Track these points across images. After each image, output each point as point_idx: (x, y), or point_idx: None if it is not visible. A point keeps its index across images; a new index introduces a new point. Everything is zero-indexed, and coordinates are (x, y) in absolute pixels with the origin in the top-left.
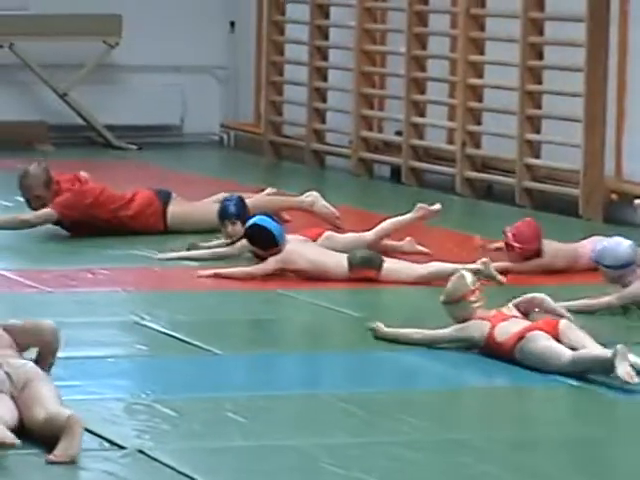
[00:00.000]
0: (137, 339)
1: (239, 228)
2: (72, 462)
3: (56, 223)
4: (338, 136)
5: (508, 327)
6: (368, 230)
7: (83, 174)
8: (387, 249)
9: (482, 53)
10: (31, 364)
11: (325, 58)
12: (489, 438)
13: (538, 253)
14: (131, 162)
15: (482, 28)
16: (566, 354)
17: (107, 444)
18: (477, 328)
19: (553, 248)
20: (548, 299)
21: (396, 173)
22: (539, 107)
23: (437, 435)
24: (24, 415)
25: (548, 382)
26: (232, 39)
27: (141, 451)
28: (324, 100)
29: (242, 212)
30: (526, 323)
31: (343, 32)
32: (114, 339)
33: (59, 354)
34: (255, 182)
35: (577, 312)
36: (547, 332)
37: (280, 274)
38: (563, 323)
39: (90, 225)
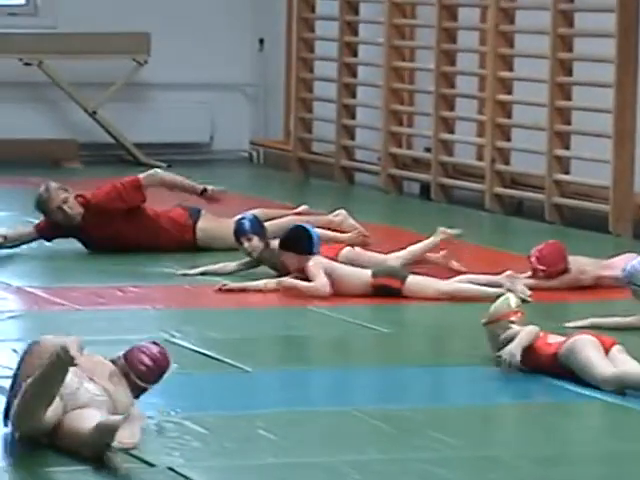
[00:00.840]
0: None
1: (256, 243)
2: (135, 447)
3: (81, 234)
4: (367, 153)
5: (559, 337)
6: (392, 252)
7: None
8: (421, 260)
9: (511, 69)
10: (97, 392)
11: (354, 75)
12: (521, 455)
13: (564, 272)
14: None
15: (511, 44)
16: (609, 369)
17: (137, 461)
18: (529, 331)
19: (580, 264)
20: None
21: (425, 190)
22: (568, 123)
23: (468, 452)
24: (69, 429)
25: (581, 398)
26: (261, 56)
27: (171, 469)
28: (353, 117)
29: (257, 228)
30: None
31: (372, 49)
32: None
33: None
34: (284, 199)
35: (608, 329)
36: (600, 342)
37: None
38: (616, 348)
39: (116, 237)
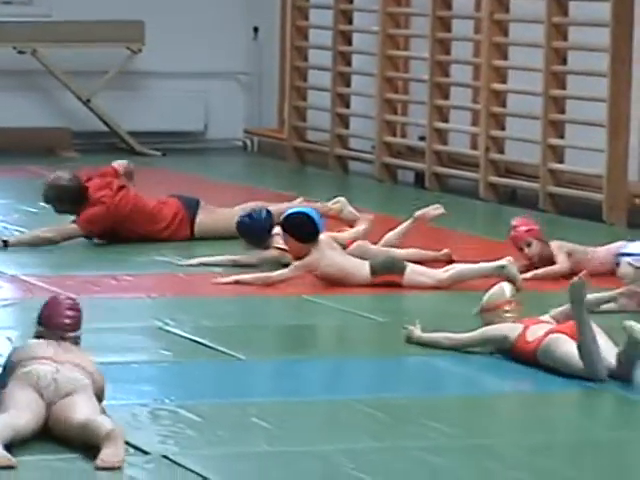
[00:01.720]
0: (161, 345)
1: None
2: (118, 468)
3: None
4: (361, 141)
5: (539, 329)
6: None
7: (119, 165)
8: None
9: (506, 58)
10: (85, 380)
11: (348, 63)
12: (514, 443)
13: (550, 259)
14: (155, 168)
15: (506, 33)
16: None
17: (131, 450)
18: (510, 328)
19: (568, 252)
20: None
21: (419, 178)
22: (563, 112)
23: (463, 440)
24: (59, 422)
25: (572, 387)
26: (255, 45)
27: (165, 457)
28: (347, 105)
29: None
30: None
31: (366, 37)
32: (138, 345)
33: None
34: (278, 188)
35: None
36: (571, 336)
37: (302, 279)
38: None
39: (117, 235)
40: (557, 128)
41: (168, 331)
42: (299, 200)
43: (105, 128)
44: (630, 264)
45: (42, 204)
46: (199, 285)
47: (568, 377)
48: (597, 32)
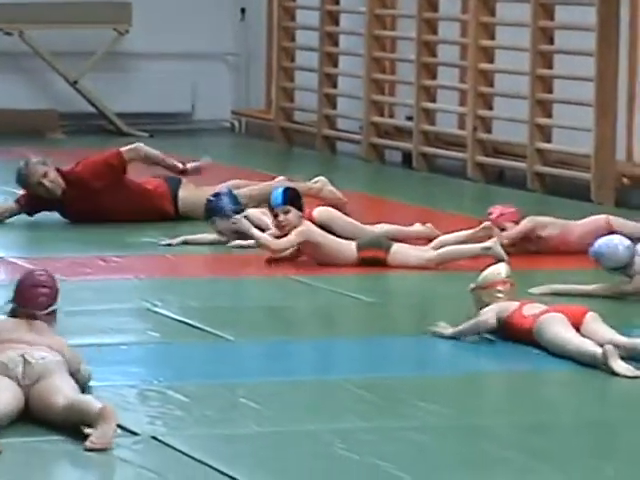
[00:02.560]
0: (149, 326)
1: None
2: (108, 449)
3: (62, 208)
4: (349, 122)
5: (534, 306)
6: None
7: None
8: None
9: (493, 38)
10: (53, 359)
11: (336, 44)
12: (507, 423)
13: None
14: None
15: (492, 13)
16: (571, 343)
17: (120, 431)
18: (505, 307)
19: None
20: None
21: (407, 158)
22: (550, 91)
23: (453, 420)
24: (41, 405)
25: (565, 366)
26: (242, 25)
27: (154, 437)
28: (335, 86)
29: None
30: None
31: (353, 17)
32: (126, 326)
33: (70, 340)
34: (266, 168)
35: (573, 296)
36: (570, 318)
37: (290, 258)
38: (590, 315)
39: (98, 208)
40: (544, 108)
41: (156, 312)
42: (280, 179)
43: (92, 109)
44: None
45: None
46: (187, 266)
47: (561, 357)
48: (584, 11)
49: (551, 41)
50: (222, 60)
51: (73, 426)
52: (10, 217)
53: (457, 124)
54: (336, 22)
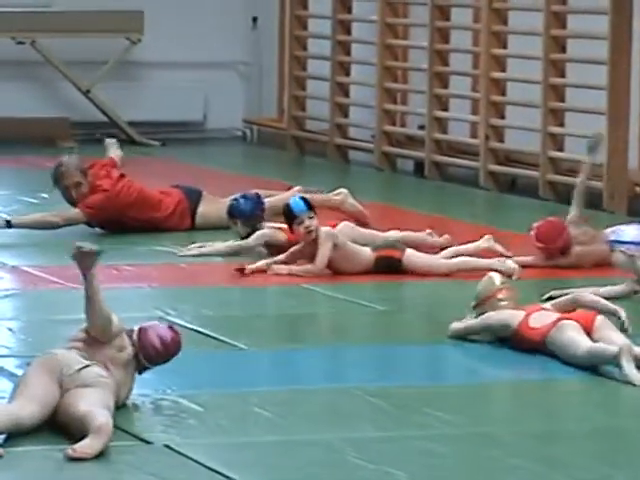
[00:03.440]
0: None
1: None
2: (86, 459)
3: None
4: (361, 131)
5: (542, 316)
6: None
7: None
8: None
9: (505, 46)
10: (102, 373)
11: (348, 53)
12: (517, 432)
13: (563, 252)
14: (154, 158)
15: (505, 21)
16: (583, 346)
17: (133, 439)
18: (511, 315)
19: (582, 251)
20: (590, 296)
21: (419, 167)
22: (562, 100)
23: (465, 429)
24: (66, 409)
25: (575, 374)
26: (255, 34)
27: (168, 446)
28: (347, 95)
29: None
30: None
31: (365, 26)
32: None
33: None
34: (278, 177)
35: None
36: (581, 324)
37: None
38: (599, 319)
39: (120, 224)
40: (557, 116)
41: (169, 321)
42: (297, 189)
43: (104, 118)
44: (623, 252)
45: (42, 195)
46: (200, 275)
47: (570, 365)
48: (596, 20)
49: (563, 50)
50: (234, 69)
51: (79, 435)
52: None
53: (469, 133)
54: (348, 31)
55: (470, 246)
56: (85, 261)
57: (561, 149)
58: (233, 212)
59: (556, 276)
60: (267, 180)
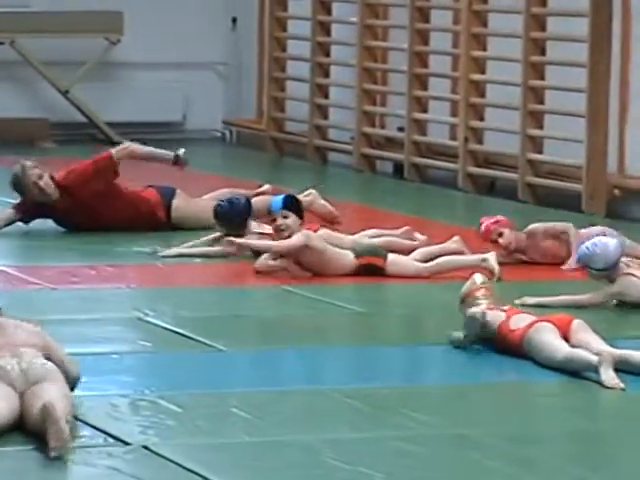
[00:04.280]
0: (141, 335)
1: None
2: (67, 446)
3: (57, 214)
4: (340, 132)
5: (522, 318)
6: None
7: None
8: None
9: (484, 49)
10: (51, 365)
11: (327, 54)
12: (494, 433)
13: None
14: (133, 159)
15: (484, 24)
16: (562, 351)
17: (112, 440)
18: (493, 316)
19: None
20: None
21: (398, 169)
22: (542, 102)
23: (443, 430)
24: (26, 412)
25: (553, 377)
26: (234, 35)
27: (146, 447)
28: (326, 96)
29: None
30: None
31: (345, 28)
32: (118, 335)
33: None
34: (257, 178)
35: (562, 307)
36: (558, 327)
37: (284, 270)
38: (576, 322)
39: (92, 214)
40: (536, 118)
41: (148, 322)
42: (266, 187)
43: (83, 119)
44: (594, 277)
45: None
46: (179, 275)
47: (546, 367)
48: (576, 22)
49: (543, 52)
50: (213, 70)
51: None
52: (7, 225)
53: (448, 135)
54: (328, 32)
55: (437, 247)
56: None
57: (540, 151)
58: (218, 216)
59: (535, 279)
60: (245, 181)
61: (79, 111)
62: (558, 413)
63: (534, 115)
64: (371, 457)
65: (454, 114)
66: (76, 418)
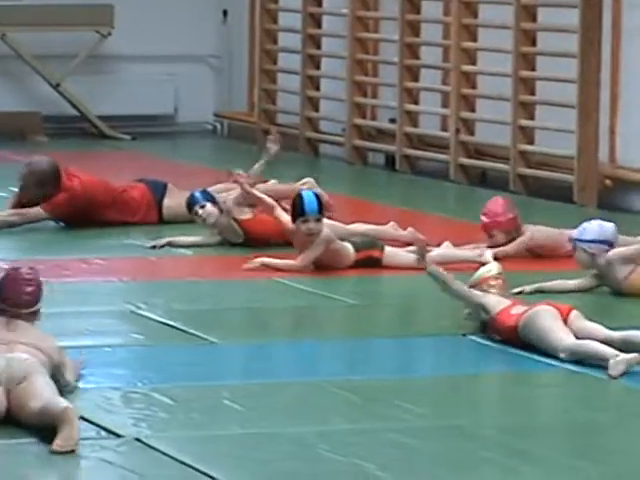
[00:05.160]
0: (133, 328)
1: (210, 209)
2: (73, 451)
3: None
4: (332, 124)
5: (524, 306)
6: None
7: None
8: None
9: (475, 40)
10: (34, 360)
11: (318, 46)
12: (489, 425)
13: (516, 228)
14: (125, 152)
15: (475, 14)
16: (568, 340)
17: (104, 433)
18: (498, 301)
19: (535, 228)
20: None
21: (390, 160)
22: (533, 93)
23: (436, 421)
24: (20, 409)
25: (547, 368)
26: (225, 28)
27: (138, 439)
28: (317, 88)
29: (208, 196)
30: None
31: (336, 20)
32: (110, 328)
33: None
34: (249, 171)
35: (550, 292)
36: (558, 309)
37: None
38: (574, 314)
39: (86, 219)
40: (527, 109)
41: (140, 314)
42: (272, 182)
43: (75, 112)
44: (585, 251)
45: (12, 188)
46: (171, 268)
47: (544, 357)
48: (566, 13)
49: (533, 43)
50: (204, 62)
51: (49, 428)
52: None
53: (440, 126)
54: (318, 24)
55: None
56: None
57: (531, 142)
58: (197, 199)
59: (517, 270)
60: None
61: (70, 104)
62: (555, 404)
63: (525, 106)
64: (365, 449)
65: (445, 105)
66: None
